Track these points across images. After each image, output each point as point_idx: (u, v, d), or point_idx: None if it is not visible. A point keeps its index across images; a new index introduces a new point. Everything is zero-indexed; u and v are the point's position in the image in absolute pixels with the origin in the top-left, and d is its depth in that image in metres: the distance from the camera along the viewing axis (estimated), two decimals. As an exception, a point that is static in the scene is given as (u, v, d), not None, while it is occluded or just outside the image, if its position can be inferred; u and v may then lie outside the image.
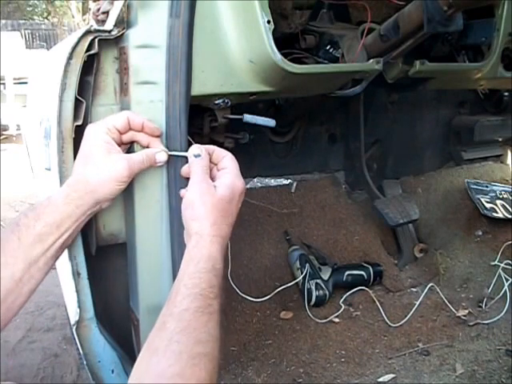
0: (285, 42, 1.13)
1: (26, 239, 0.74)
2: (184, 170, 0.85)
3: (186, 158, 0.85)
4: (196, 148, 0.84)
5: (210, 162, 0.84)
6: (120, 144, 0.83)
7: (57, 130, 0.84)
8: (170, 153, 0.86)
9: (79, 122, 0.86)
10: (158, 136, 0.85)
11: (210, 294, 0.72)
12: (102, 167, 0.78)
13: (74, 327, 0.93)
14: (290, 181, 1.84)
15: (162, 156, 0.85)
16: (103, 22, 0.91)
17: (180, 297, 0.71)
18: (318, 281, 1.55)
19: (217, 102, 1.01)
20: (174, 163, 0.87)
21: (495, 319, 1.37)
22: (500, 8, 1.22)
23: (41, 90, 1.12)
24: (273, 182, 1.82)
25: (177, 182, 0.87)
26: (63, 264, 0.89)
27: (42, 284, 0.78)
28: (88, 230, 0.91)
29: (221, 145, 1.39)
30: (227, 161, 0.84)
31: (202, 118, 1.27)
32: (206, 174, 0.81)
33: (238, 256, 1.58)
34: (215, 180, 0.82)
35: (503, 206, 1.79)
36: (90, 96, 0.88)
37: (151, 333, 0.69)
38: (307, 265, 1.57)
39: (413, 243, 1.82)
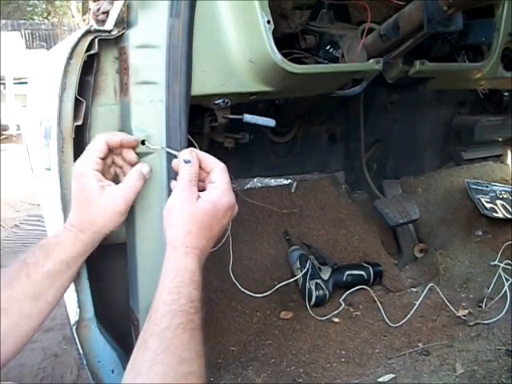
0: (285, 41, 1.13)
1: (34, 276, 0.75)
2: (175, 163, 0.84)
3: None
4: (187, 153, 0.81)
5: (200, 168, 0.82)
6: (105, 171, 0.84)
7: (57, 130, 0.84)
8: (165, 149, 0.87)
9: (79, 122, 0.86)
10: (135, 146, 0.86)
11: (190, 309, 0.70)
12: (101, 207, 0.80)
13: (74, 327, 0.93)
14: (289, 181, 1.84)
15: (145, 167, 0.85)
16: (103, 22, 0.91)
17: (160, 314, 0.69)
18: (318, 281, 1.55)
19: (217, 102, 1.01)
20: (175, 164, 0.87)
21: (495, 319, 1.37)
22: (500, 8, 1.22)
23: (41, 90, 1.12)
24: (273, 181, 1.82)
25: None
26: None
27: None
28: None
29: (221, 145, 1.39)
30: (217, 174, 0.81)
31: (202, 118, 1.27)
32: (192, 181, 0.79)
33: (238, 256, 1.57)
34: (203, 190, 0.80)
35: (503, 206, 1.79)
36: (89, 96, 0.88)
37: (133, 352, 0.69)
38: (307, 265, 1.57)
39: (413, 243, 1.82)
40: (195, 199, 0.77)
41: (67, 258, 0.78)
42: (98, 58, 0.88)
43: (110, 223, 0.81)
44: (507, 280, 1.51)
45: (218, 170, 0.81)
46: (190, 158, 0.81)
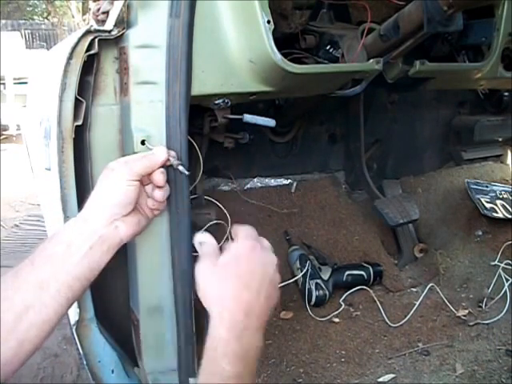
0: (285, 41, 1.13)
1: (38, 261, 0.73)
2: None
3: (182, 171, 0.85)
4: (202, 236, 0.78)
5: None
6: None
7: (57, 130, 0.84)
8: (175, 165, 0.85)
9: (79, 122, 0.86)
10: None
11: None
12: (107, 183, 0.79)
13: (74, 327, 0.93)
14: (290, 181, 1.84)
15: (160, 151, 0.83)
16: (103, 21, 0.91)
17: None
18: (318, 281, 1.55)
19: (217, 102, 1.01)
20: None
21: (495, 319, 1.37)
22: (500, 8, 1.22)
23: (41, 90, 1.12)
24: (273, 181, 1.82)
25: (177, 182, 0.87)
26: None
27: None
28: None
29: (221, 145, 1.39)
30: (237, 232, 0.76)
31: (202, 118, 1.27)
32: (212, 255, 0.74)
33: (238, 256, 1.57)
34: None
35: (503, 205, 1.79)
36: (89, 96, 0.88)
37: None
38: (307, 265, 1.57)
39: (413, 243, 1.82)
40: (215, 263, 0.72)
41: (67, 239, 0.74)
42: (97, 58, 0.88)
43: (118, 199, 0.78)
44: (507, 280, 1.51)
45: (240, 235, 0.76)
46: (205, 239, 0.78)
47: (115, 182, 0.78)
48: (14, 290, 0.70)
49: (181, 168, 0.84)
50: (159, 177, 0.82)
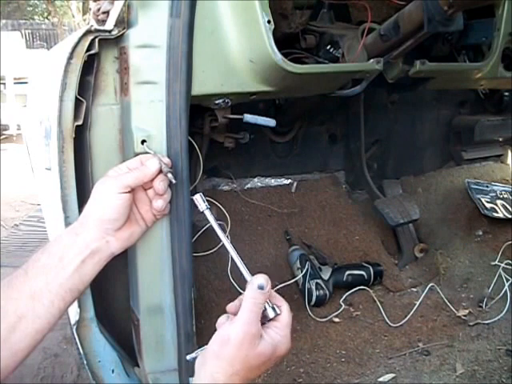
0: (285, 41, 1.13)
1: (31, 272, 0.73)
2: (231, 307, 0.73)
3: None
4: (263, 278, 0.71)
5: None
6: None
7: (57, 130, 0.84)
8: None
9: (79, 122, 0.86)
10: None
11: None
12: (99, 197, 0.80)
13: (74, 327, 0.93)
14: (290, 181, 1.84)
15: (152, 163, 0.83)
16: (103, 21, 0.91)
17: None
18: (319, 281, 1.55)
19: (217, 101, 1.01)
20: (175, 163, 0.87)
21: (495, 319, 1.37)
22: (500, 8, 1.22)
23: (41, 90, 1.12)
24: (273, 181, 1.82)
25: (177, 182, 0.87)
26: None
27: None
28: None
29: (221, 145, 1.39)
30: (285, 314, 0.72)
31: (202, 118, 1.27)
32: (259, 314, 0.69)
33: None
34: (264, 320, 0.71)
35: (503, 205, 1.79)
36: (90, 96, 0.88)
37: None
38: (307, 265, 1.57)
39: (413, 243, 1.82)
40: (258, 339, 0.68)
41: (59, 251, 0.75)
42: (98, 58, 0.88)
43: (108, 214, 0.79)
44: (507, 280, 1.51)
45: (286, 309, 0.73)
46: (265, 283, 0.71)
47: (105, 196, 0.79)
48: (6, 299, 0.70)
49: (170, 176, 0.84)
50: (159, 185, 0.83)
